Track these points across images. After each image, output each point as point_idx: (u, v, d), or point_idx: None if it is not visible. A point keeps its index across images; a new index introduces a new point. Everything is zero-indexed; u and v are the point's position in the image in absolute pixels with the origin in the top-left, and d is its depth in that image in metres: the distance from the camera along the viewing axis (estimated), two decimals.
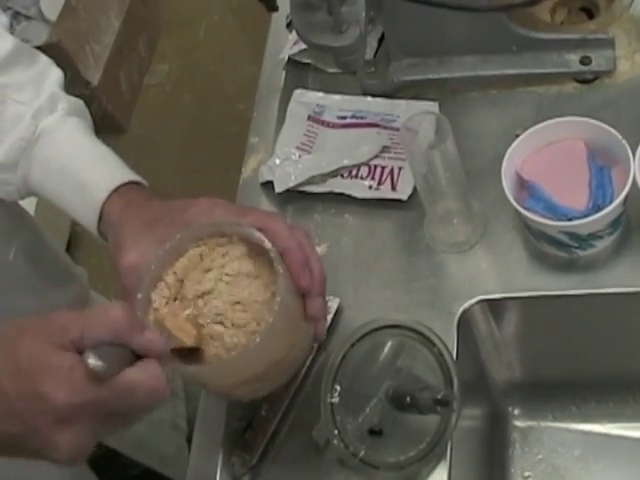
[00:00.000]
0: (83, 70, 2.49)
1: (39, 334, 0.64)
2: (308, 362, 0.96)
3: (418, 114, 0.90)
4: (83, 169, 0.94)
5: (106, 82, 2.58)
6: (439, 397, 0.81)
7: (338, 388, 0.86)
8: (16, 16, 2.57)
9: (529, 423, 1.10)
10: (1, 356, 0.64)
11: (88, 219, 0.92)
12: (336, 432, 0.85)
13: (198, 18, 2.95)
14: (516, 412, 1.10)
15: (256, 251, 0.82)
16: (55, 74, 1.01)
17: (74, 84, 2.36)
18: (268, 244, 0.79)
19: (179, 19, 2.97)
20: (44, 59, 1.02)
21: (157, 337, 0.67)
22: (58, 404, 0.62)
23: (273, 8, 0.93)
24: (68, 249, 2.38)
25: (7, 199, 1.02)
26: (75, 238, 2.44)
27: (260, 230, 0.81)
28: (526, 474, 1.06)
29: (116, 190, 0.91)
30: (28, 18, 2.57)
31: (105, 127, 2.51)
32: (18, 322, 0.66)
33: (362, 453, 0.84)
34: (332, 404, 0.85)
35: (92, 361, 0.62)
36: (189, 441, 1.40)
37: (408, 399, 0.83)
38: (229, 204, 0.85)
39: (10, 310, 1.02)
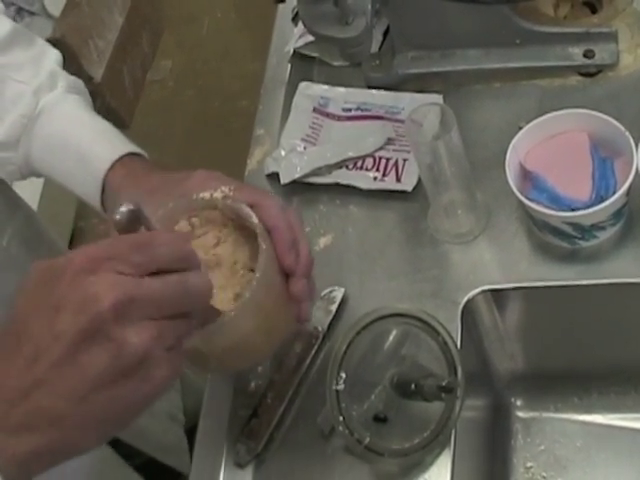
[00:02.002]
0: (86, 65, 2.50)
1: (62, 272, 0.59)
2: (313, 351, 0.97)
3: (423, 105, 0.91)
4: (85, 142, 0.95)
5: (109, 78, 2.59)
6: (444, 384, 0.82)
7: (343, 375, 0.86)
8: (19, 11, 2.58)
9: (531, 414, 1.10)
10: (37, 316, 0.59)
11: (91, 191, 0.93)
12: (341, 419, 0.85)
13: (201, 14, 2.96)
14: (518, 403, 1.11)
15: (248, 232, 0.82)
16: (54, 54, 1.02)
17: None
18: (255, 219, 0.79)
19: (182, 15, 2.97)
20: (41, 42, 1.03)
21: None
22: (75, 261, 0.58)
23: (280, 0, 0.93)
24: (71, 244, 2.39)
25: (9, 179, 1.02)
26: (79, 234, 2.45)
27: (251, 206, 0.80)
28: (528, 464, 1.07)
29: (119, 160, 0.92)
30: (31, 14, 2.58)
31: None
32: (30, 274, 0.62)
33: (367, 440, 0.85)
34: (337, 391, 0.86)
35: (123, 208, 0.61)
36: (187, 432, 1.42)
37: (413, 386, 0.84)
38: (226, 178, 0.85)
39: (3, 296, 1.03)
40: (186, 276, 0.62)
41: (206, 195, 0.82)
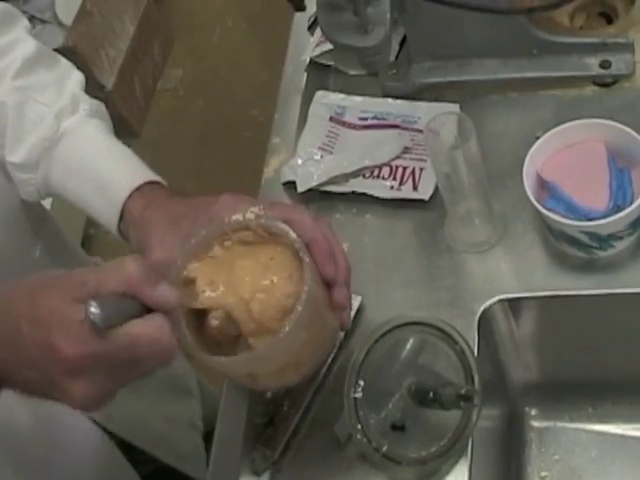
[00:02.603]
0: (98, 74, 2.51)
1: (60, 288, 0.67)
2: (330, 359, 0.97)
3: (442, 114, 0.91)
4: (105, 168, 0.95)
5: (120, 86, 2.60)
6: (462, 392, 0.82)
7: (362, 383, 0.87)
8: (31, 20, 2.59)
9: (546, 423, 1.10)
10: (24, 303, 0.67)
11: (109, 218, 0.93)
12: (359, 427, 0.85)
13: (212, 24, 2.97)
14: (533, 412, 1.11)
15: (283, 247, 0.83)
16: (76, 76, 1.02)
17: (89, 88, 2.38)
18: (293, 235, 0.80)
19: (193, 24, 2.98)
20: (65, 62, 1.04)
21: (169, 290, 0.69)
22: (68, 356, 0.65)
23: (300, 8, 0.94)
24: None
25: (27, 199, 1.03)
26: (88, 241, 2.45)
27: (285, 222, 0.81)
28: (543, 474, 1.07)
29: (138, 189, 0.92)
30: (43, 22, 2.59)
31: (119, 131, 2.50)
32: (43, 275, 0.70)
33: (384, 448, 0.85)
34: (355, 399, 0.86)
35: (92, 309, 0.64)
36: (205, 439, 1.41)
37: (431, 394, 0.84)
38: (252, 199, 0.86)
39: None
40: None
41: (239, 217, 0.83)
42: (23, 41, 1.00)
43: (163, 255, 0.85)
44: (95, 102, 1.01)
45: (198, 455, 1.39)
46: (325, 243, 0.82)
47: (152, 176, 0.95)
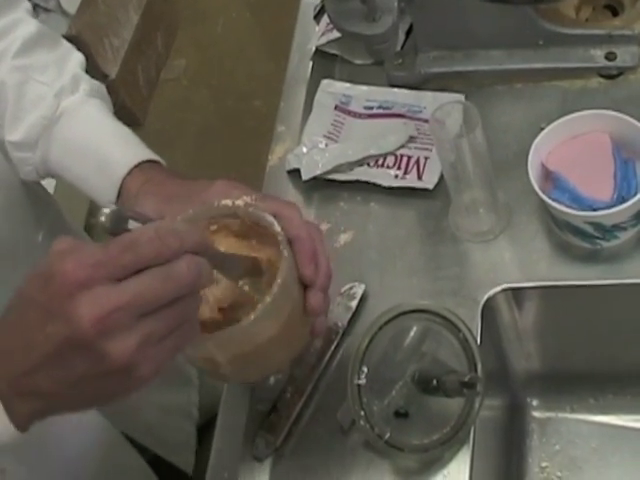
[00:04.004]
0: (101, 63, 2.51)
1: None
2: (333, 346, 0.97)
3: (448, 103, 0.91)
4: (104, 146, 0.96)
5: (124, 76, 2.60)
6: (466, 380, 0.82)
7: (365, 370, 0.87)
8: (35, 8, 2.58)
9: (547, 414, 1.11)
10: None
11: (107, 195, 0.93)
12: (362, 414, 0.86)
13: (216, 14, 2.97)
14: (535, 403, 1.11)
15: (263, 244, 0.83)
16: (77, 57, 1.02)
17: (92, 77, 2.39)
18: (277, 228, 0.79)
19: (197, 14, 2.98)
20: (66, 44, 1.04)
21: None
22: (67, 271, 0.60)
23: None
24: None
25: (26, 179, 1.03)
26: (89, 230, 2.45)
27: (274, 216, 0.80)
28: (543, 464, 1.07)
29: (137, 166, 0.93)
30: (47, 10, 2.59)
31: (122, 121, 2.52)
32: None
33: (387, 435, 0.85)
34: (359, 386, 0.86)
35: (105, 210, 0.63)
36: (199, 430, 1.42)
37: (435, 382, 0.84)
38: (247, 188, 0.85)
39: None
40: (168, 267, 0.63)
41: (228, 202, 0.82)
42: (24, 22, 1.01)
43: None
44: (95, 82, 1.01)
45: (188, 446, 1.39)
46: (309, 243, 0.80)
47: (152, 155, 0.95)
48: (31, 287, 0.63)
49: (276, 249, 0.80)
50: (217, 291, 0.81)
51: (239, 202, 0.82)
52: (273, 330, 0.78)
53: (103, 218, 0.64)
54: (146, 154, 0.95)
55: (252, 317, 0.75)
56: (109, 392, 0.65)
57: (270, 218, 0.80)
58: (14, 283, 0.65)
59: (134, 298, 0.61)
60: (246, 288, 0.81)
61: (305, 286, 0.81)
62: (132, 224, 0.67)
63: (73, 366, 0.62)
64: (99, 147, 0.96)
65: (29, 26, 1.00)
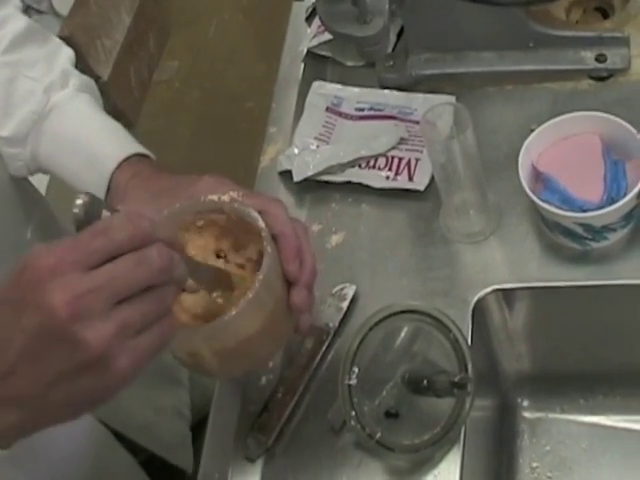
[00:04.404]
0: (94, 65, 2.50)
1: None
2: (324, 347, 0.97)
3: (439, 105, 0.91)
4: (93, 141, 0.96)
5: (116, 77, 2.59)
6: (456, 380, 0.82)
7: (356, 370, 0.87)
8: (27, 10, 2.58)
9: (537, 415, 1.11)
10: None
11: (96, 190, 0.93)
12: (353, 414, 0.86)
13: (208, 16, 2.97)
14: (525, 404, 1.12)
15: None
16: (66, 52, 1.03)
17: None
18: (262, 224, 0.79)
19: (189, 16, 2.98)
20: (56, 40, 1.04)
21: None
22: (37, 260, 0.60)
23: None
24: None
25: (16, 175, 1.03)
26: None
27: (259, 213, 0.80)
28: (534, 465, 1.08)
29: (126, 160, 0.93)
30: (39, 12, 2.59)
31: None
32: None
33: (378, 435, 0.85)
34: (350, 386, 0.87)
35: (77, 201, 0.63)
36: (192, 430, 1.42)
37: (425, 382, 0.84)
38: (234, 184, 0.85)
39: None
40: (140, 252, 0.62)
41: (214, 198, 0.82)
42: (13, 18, 1.01)
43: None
44: (85, 77, 1.02)
45: (185, 446, 1.39)
46: (294, 240, 0.81)
47: (141, 149, 0.95)
48: (3, 289, 0.63)
49: (260, 245, 0.80)
50: (191, 300, 0.80)
51: (225, 198, 0.82)
52: (256, 325, 0.79)
53: (76, 210, 0.64)
54: (134, 148, 0.95)
55: (234, 312, 0.76)
56: (88, 391, 0.63)
57: (255, 214, 0.80)
58: (0, 278, 0.64)
59: (106, 281, 0.60)
60: (220, 301, 0.81)
61: (290, 283, 0.82)
62: (105, 215, 0.66)
63: (48, 360, 0.61)
64: (89, 142, 0.96)
65: (18, 22, 1.00)
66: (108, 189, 0.93)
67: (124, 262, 0.61)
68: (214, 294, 0.80)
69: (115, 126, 0.99)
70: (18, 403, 0.63)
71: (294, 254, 0.81)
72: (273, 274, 0.79)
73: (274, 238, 0.80)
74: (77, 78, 1.01)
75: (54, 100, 0.98)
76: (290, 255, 0.80)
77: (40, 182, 1.14)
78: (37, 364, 0.61)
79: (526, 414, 1.11)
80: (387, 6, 0.91)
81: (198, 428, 1.42)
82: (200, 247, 0.83)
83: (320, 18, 0.93)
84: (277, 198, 0.86)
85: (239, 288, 0.81)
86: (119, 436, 1.19)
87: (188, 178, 0.88)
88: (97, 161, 0.94)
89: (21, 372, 0.62)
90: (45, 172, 1.02)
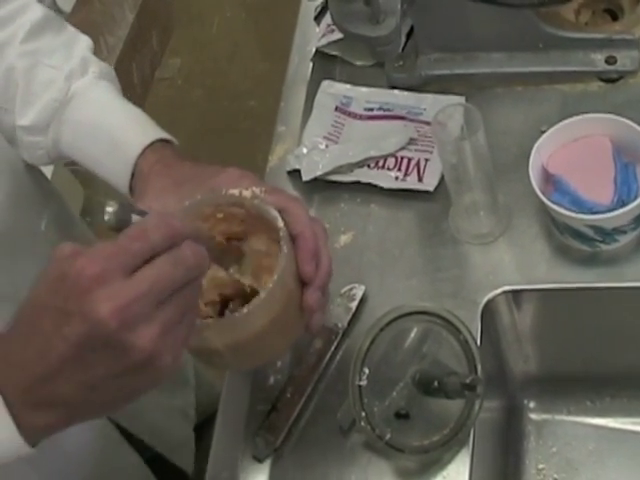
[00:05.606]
0: None
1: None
2: (333, 347, 0.97)
3: (450, 106, 0.91)
4: (116, 127, 0.95)
5: (118, 74, 2.58)
6: (467, 381, 0.82)
7: (366, 371, 0.87)
8: None
9: (544, 416, 1.11)
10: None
11: (120, 177, 0.93)
12: (363, 414, 0.86)
13: (211, 14, 2.97)
14: (532, 405, 1.12)
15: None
16: (85, 40, 1.02)
17: None
18: (280, 223, 0.79)
19: (192, 14, 2.98)
20: (72, 28, 1.04)
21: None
22: (81, 269, 0.60)
23: None
24: None
25: (37, 163, 1.03)
26: None
27: (280, 211, 0.81)
28: (540, 466, 1.08)
29: (150, 146, 0.92)
30: None
31: None
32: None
33: (388, 436, 0.85)
34: (360, 387, 0.86)
35: (108, 208, 0.64)
36: (196, 430, 1.41)
37: (436, 383, 0.84)
38: (257, 179, 0.86)
39: None
40: (175, 252, 0.63)
41: (235, 192, 0.82)
42: (31, 7, 1.01)
43: (156, 207, 0.85)
44: (104, 65, 1.02)
45: (188, 447, 1.39)
46: (312, 241, 0.81)
47: (163, 134, 0.95)
48: (41, 294, 0.63)
49: (277, 243, 0.80)
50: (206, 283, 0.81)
51: (246, 193, 0.82)
52: (268, 322, 0.79)
53: (107, 217, 0.65)
54: (157, 133, 0.94)
55: (245, 310, 0.76)
56: (129, 391, 0.65)
57: (274, 212, 0.80)
58: (16, 271, 0.65)
59: (149, 287, 0.61)
60: (237, 276, 0.82)
61: (304, 283, 0.82)
62: (135, 219, 0.67)
63: (94, 366, 0.61)
64: (111, 129, 0.95)
65: (36, 11, 1.00)
66: (132, 176, 0.92)
67: (162, 264, 0.62)
68: (230, 270, 0.81)
69: (137, 112, 0.98)
70: (60, 405, 0.64)
71: (311, 255, 0.81)
72: (287, 273, 0.79)
73: (293, 238, 0.80)
74: (96, 65, 1.00)
75: (74, 88, 0.97)
76: (307, 256, 0.80)
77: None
78: (82, 370, 0.62)
79: (533, 416, 1.11)
80: (399, 6, 0.91)
81: (201, 429, 1.42)
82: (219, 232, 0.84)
83: (332, 18, 0.93)
84: (298, 197, 0.85)
85: (268, 272, 0.81)
86: (126, 434, 1.19)
87: (211, 168, 0.88)
88: (120, 148, 0.93)
89: (65, 377, 0.62)
90: (66, 160, 1.01)
